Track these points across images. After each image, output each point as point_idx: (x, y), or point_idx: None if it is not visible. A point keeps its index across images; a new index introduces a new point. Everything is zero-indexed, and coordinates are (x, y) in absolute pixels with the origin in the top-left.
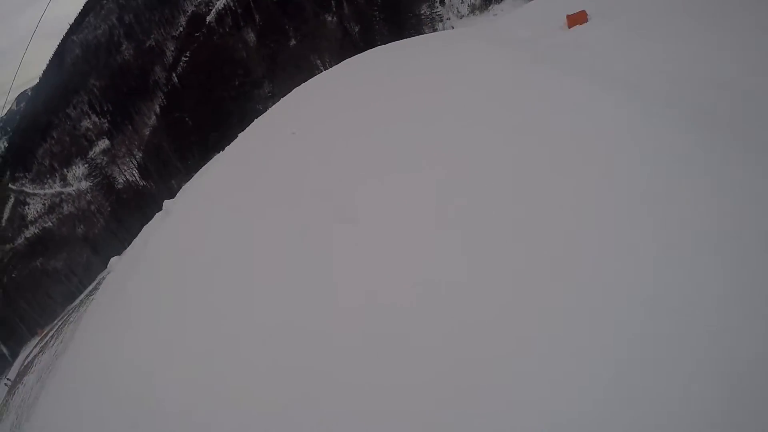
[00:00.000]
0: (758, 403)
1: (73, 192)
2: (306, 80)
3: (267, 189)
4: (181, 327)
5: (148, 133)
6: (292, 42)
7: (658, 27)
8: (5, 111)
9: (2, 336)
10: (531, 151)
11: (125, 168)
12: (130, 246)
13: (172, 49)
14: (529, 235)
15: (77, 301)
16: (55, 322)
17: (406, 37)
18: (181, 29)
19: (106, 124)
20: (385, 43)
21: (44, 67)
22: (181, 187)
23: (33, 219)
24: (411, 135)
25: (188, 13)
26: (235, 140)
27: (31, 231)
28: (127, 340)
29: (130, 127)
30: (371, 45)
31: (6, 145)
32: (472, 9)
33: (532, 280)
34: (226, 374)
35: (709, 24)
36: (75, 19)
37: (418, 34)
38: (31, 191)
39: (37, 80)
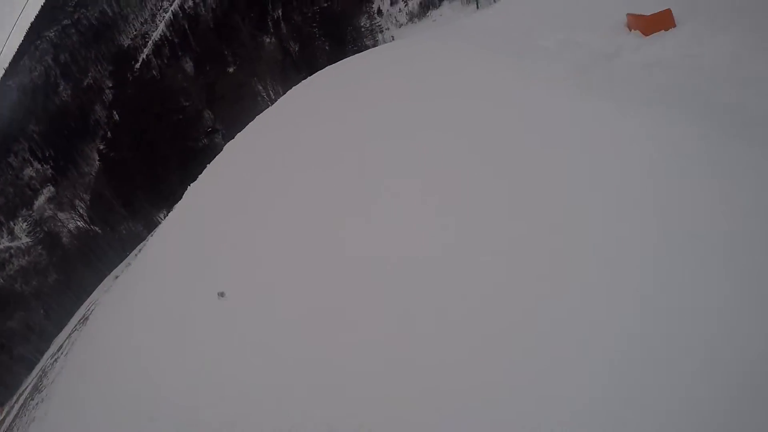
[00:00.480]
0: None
1: (23, 245)
2: (249, 108)
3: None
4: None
5: (93, 176)
6: (231, 69)
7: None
8: None
9: None
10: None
11: (73, 215)
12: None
13: (111, 85)
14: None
15: (37, 370)
16: (14, 399)
17: (349, 51)
18: (120, 64)
19: (50, 171)
20: (328, 59)
21: None
22: (129, 232)
23: None
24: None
25: (125, 47)
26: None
27: None
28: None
29: (74, 171)
30: (312, 63)
31: None
32: (411, 17)
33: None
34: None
35: None
36: (9, 63)
37: (359, 47)
38: None
39: None
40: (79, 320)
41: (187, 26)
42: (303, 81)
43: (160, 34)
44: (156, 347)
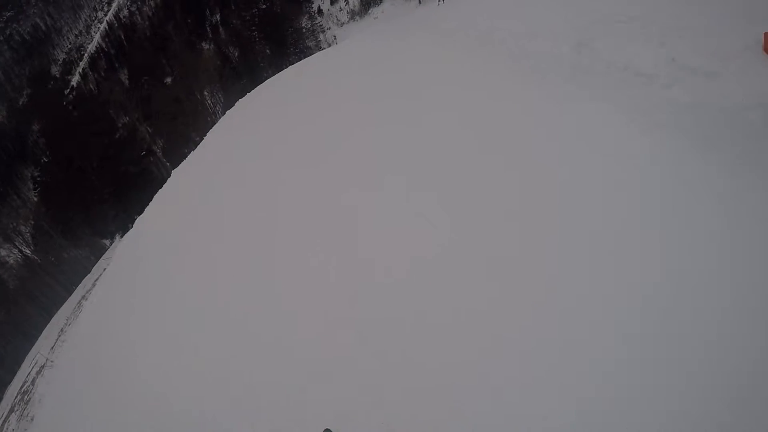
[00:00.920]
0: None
1: None
2: (189, 123)
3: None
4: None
5: (34, 201)
6: (168, 80)
7: None
8: None
9: None
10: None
11: (16, 242)
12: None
13: (44, 104)
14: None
15: None
16: None
17: (290, 54)
18: (53, 81)
19: None
20: (269, 63)
21: None
22: (69, 257)
23: None
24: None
25: (59, 62)
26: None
27: None
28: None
29: (15, 197)
30: (253, 68)
31: None
32: (352, 15)
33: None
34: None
35: None
36: None
37: (300, 48)
38: None
39: None
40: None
41: (123, 36)
42: (242, 99)
43: (96, 46)
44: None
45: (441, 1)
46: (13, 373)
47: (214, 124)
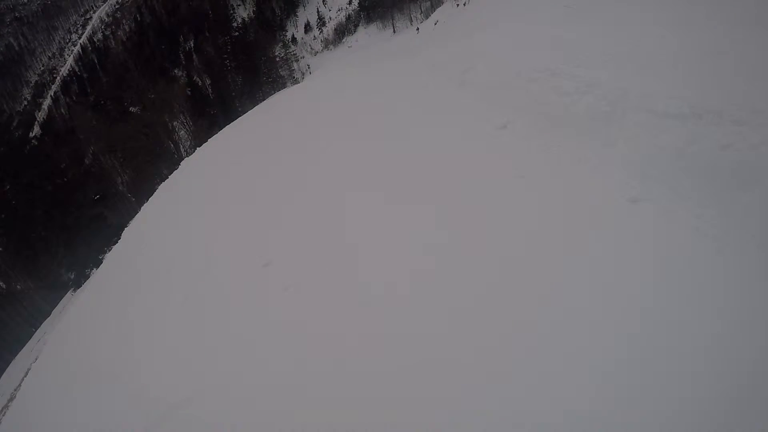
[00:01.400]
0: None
1: None
2: (150, 160)
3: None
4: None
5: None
6: (135, 108)
7: None
8: None
9: None
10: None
11: None
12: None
13: (15, 125)
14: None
15: None
16: None
17: (263, 83)
18: (26, 102)
19: None
20: (240, 92)
21: None
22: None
23: None
24: None
25: (31, 84)
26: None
27: None
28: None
29: None
30: (225, 97)
31: None
32: (326, 44)
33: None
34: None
35: None
36: None
37: (273, 78)
38: None
39: None
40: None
41: (96, 60)
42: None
43: (69, 69)
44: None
45: (417, 30)
46: None
47: (184, 157)
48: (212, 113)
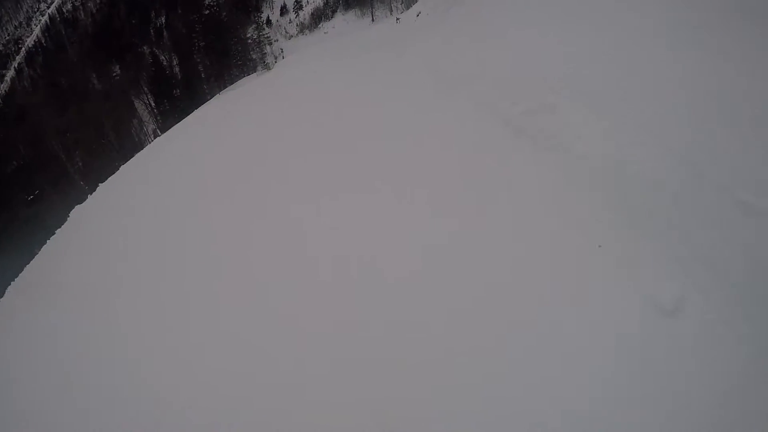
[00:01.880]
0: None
1: None
2: (102, 141)
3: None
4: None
5: None
6: (95, 86)
7: None
8: None
9: None
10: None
11: None
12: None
13: None
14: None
15: None
16: None
17: (231, 65)
18: None
19: None
20: (207, 75)
21: None
22: None
23: None
24: None
25: None
26: None
27: None
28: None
29: None
30: (191, 80)
31: None
32: (302, 28)
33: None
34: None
35: None
36: None
37: (243, 61)
38: None
39: None
40: None
41: (63, 32)
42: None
43: (35, 40)
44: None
45: (397, 20)
46: None
47: (144, 143)
48: (176, 96)
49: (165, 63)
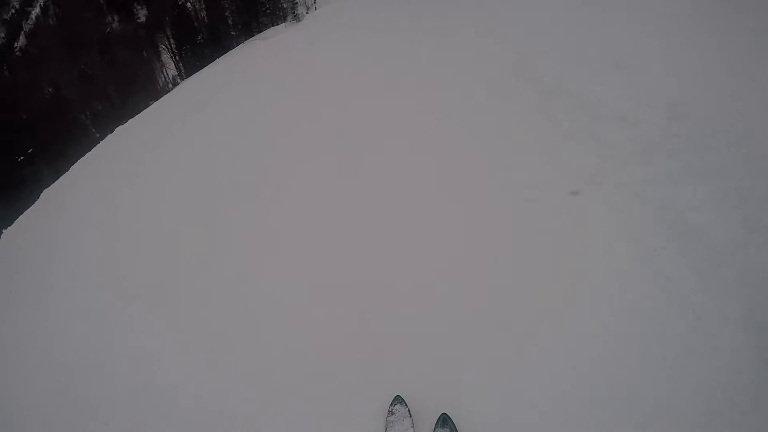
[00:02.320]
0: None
1: None
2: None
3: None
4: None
5: None
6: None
7: None
8: None
9: None
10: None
11: None
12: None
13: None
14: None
15: None
16: None
17: (259, 13)
18: (13, 10)
19: None
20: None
21: None
22: None
23: None
24: None
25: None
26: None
27: None
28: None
29: None
30: (219, 24)
31: None
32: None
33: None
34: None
35: None
36: None
37: (272, 10)
38: None
39: None
40: None
41: None
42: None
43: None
44: None
45: None
46: None
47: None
48: (199, 41)
49: (189, 6)
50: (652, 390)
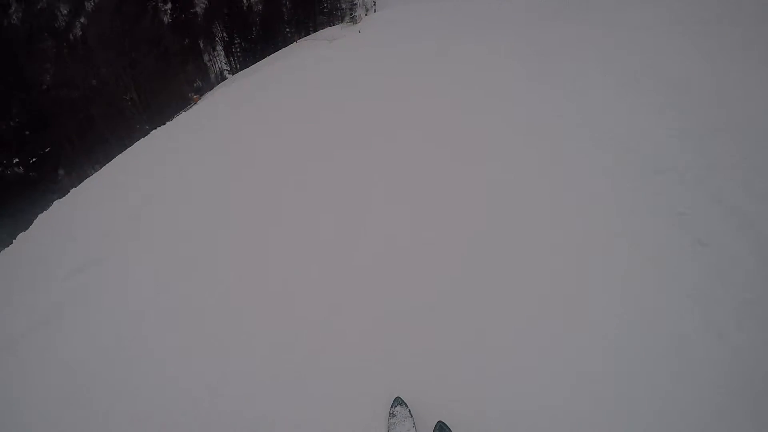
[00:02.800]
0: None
1: None
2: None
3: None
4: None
5: None
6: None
7: None
8: None
9: None
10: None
11: None
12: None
13: (65, 13)
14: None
15: None
16: None
17: (315, 13)
18: None
19: None
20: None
21: None
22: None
23: None
24: None
25: None
26: None
27: None
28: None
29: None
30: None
31: None
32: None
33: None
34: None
35: None
36: None
37: (330, 9)
38: None
39: None
40: None
41: None
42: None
43: None
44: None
45: None
46: None
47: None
48: (251, 37)
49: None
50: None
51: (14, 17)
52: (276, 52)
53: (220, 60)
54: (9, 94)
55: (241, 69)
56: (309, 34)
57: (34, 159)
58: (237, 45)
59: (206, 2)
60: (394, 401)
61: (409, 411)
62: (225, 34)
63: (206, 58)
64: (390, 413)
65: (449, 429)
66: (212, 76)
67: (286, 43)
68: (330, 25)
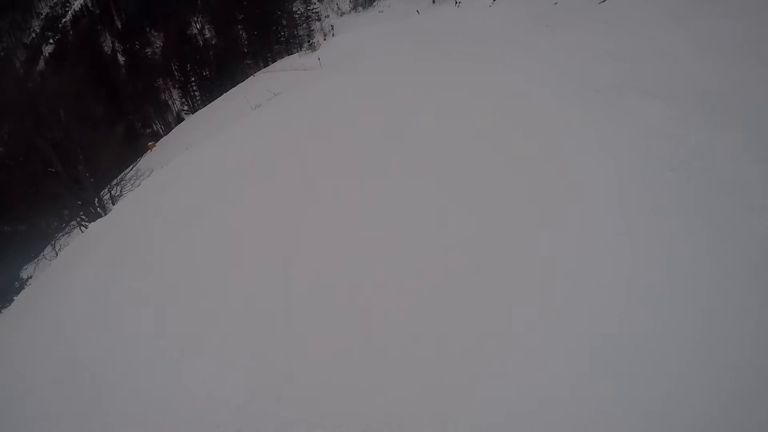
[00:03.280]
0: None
1: None
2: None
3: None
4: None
5: None
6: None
7: None
8: None
9: None
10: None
11: None
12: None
13: (23, 59)
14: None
15: None
16: None
17: (272, 41)
18: (34, 35)
19: None
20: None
21: None
22: None
23: None
24: None
25: (42, 16)
26: None
27: None
28: None
29: None
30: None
31: None
32: (355, 5)
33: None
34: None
35: None
36: None
37: (287, 38)
38: None
39: None
40: None
41: None
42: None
43: (81, 4)
44: None
45: (457, 3)
46: None
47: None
48: (205, 75)
49: (194, 32)
50: None
51: None
52: (234, 88)
53: (176, 102)
54: None
55: (201, 107)
56: (267, 66)
57: None
58: (193, 83)
59: (162, 42)
60: None
61: None
62: (179, 74)
63: (165, 96)
64: None
65: None
66: (170, 118)
67: (244, 76)
68: (288, 54)
